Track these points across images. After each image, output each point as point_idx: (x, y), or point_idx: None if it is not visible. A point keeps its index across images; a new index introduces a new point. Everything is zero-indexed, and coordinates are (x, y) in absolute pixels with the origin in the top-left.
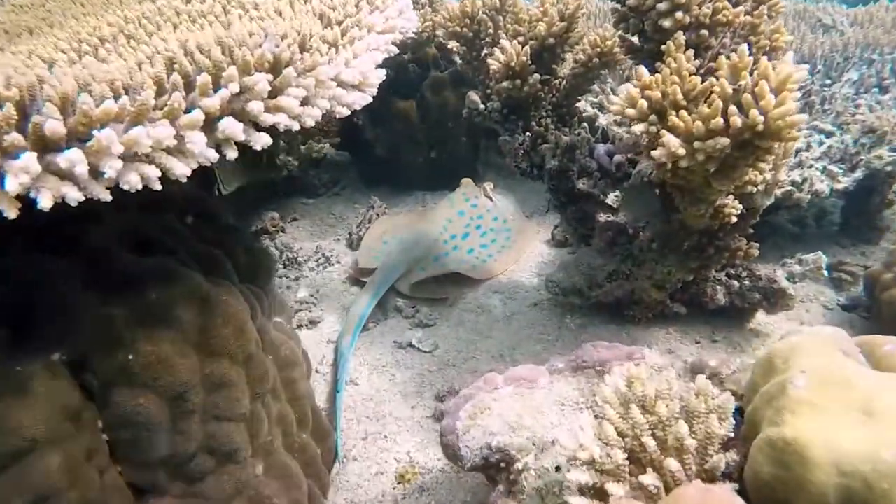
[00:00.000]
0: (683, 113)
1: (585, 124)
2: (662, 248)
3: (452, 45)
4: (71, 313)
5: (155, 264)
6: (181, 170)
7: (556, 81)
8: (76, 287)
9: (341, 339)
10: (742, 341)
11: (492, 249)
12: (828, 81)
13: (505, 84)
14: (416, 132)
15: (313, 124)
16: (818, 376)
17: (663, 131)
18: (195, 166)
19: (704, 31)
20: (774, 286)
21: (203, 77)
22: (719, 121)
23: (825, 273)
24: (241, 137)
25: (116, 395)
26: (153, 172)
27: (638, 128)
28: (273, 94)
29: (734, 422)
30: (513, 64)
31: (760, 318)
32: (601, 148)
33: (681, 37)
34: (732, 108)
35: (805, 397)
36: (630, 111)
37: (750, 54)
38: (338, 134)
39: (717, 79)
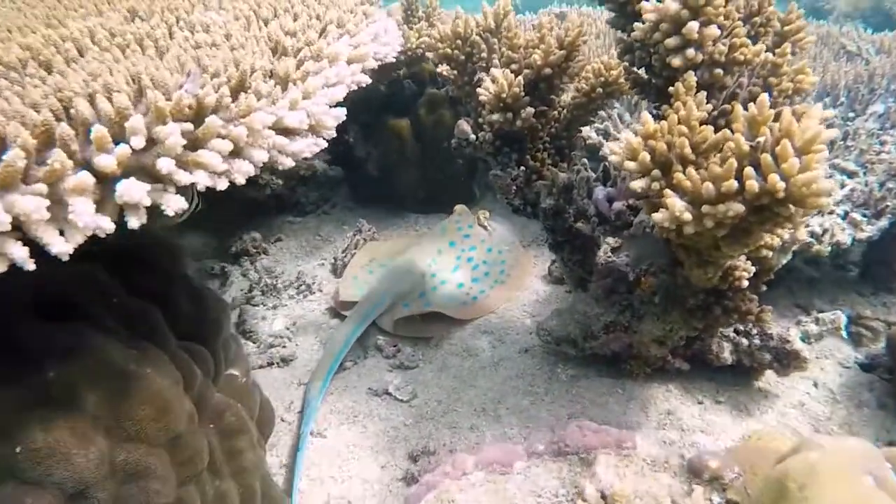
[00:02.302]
0: (691, 170)
1: (585, 160)
2: (665, 303)
3: (443, 68)
4: None
5: (59, 333)
6: (60, 247)
7: (556, 112)
8: None
9: (311, 384)
10: (749, 402)
11: (484, 284)
12: (851, 114)
13: (495, 116)
14: (410, 151)
15: (243, 182)
16: None
17: (667, 191)
18: (81, 240)
19: (719, 70)
20: (787, 347)
21: (98, 129)
22: (732, 183)
23: (845, 335)
24: (146, 202)
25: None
26: (18, 253)
27: (638, 184)
28: (194, 145)
29: None
30: (504, 95)
31: (770, 375)
32: (600, 192)
33: (691, 77)
34: (749, 170)
35: None
36: (630, 164)
37: (770, 97)
38: (328, 150)
39: (732, 131)
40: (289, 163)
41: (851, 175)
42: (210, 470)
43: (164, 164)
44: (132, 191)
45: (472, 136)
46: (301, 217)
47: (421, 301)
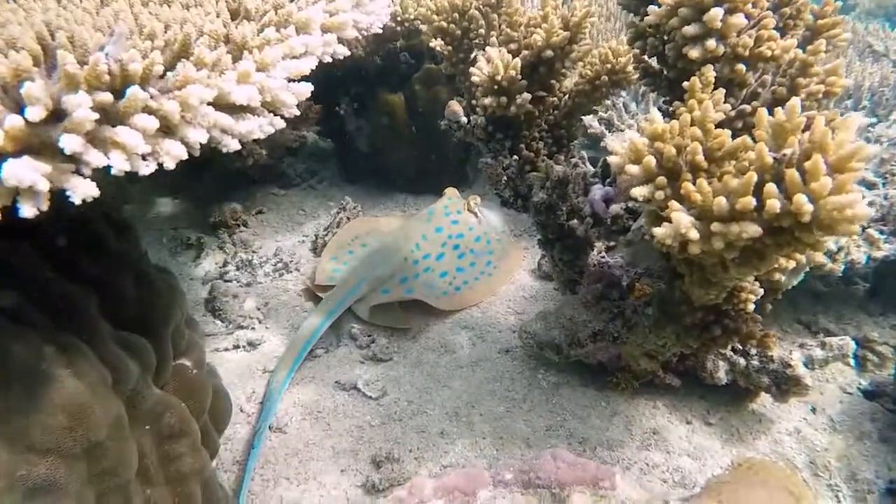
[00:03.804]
0: (702, 181)
1: (584, 153)
2: (659, 316)
3: (436, 43)
4: None
5: None
6: None
7: (556, 98)
8: None
9: (274, 374)
10: (741, 426)
11: (468, 275)
12: (873, 120)
13: (488, 100)
14: (403, 129)
15: (173, 166)
16: None
17: (673, 203)
18: None
19: (741, 65)
20: (788, 372)
21: None
22: (750, 200)
23: (853, 363)
24: (41, 187)
25: None
26: None
27: (640, 191)
28: (113, 119)
29: None
30: (499, 77)
31: (765, 397)
32: (597, 191)
33: (710, 72)
34: (770, 187)
35: None
36: (632, 168)
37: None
38: (318, 122)
39: (754, 138)
40: (234, 145)
41: (870, 186)
42: (142, 477)
43: (70, 142)
44: (20, 173)
45: (464, 119)
46: (286, 189)
47: (402, 287)
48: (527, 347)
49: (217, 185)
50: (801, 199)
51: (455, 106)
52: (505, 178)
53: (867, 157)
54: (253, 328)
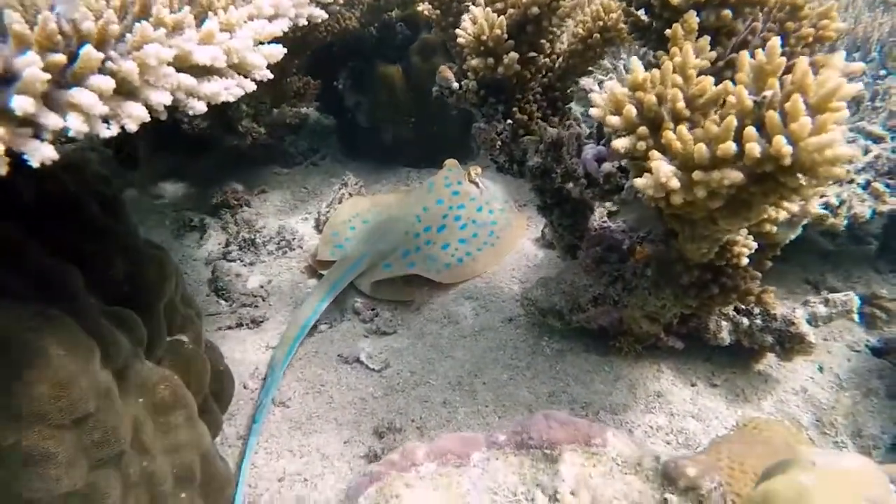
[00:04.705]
0: (682, 128)
1: (579, 115)
2: (657, 278)
3: (424, 7)
4: None
5: None
6: None
7: (548, 59)
8: None
9: (277, 350)
10: (746, 387)
11: (470, 246)
12: (882, 72)
13: (475, 61)
14: (402, 101)
15: (135, 128)
16: None
17: (653, 152)
18: None
19: (727, 11)
20: (792, 330)
21: None
22: (730, 146)
23: (857, 319)
24: None
25: None
26: None
27: (622, 143)
28: (70, 83)
29: None
30: (484, 38)
31: (771, 358)
32: (589, 150)
33: (692, 18)
34: (750, 130)
35: None
36: (613, 119)
37: (784, 46)
38: (317, 98)
39: (735, 83)
40: (200, 107)
41: (878, 140)
42: (137, 448)
43: (21, 103)
44: None
45: (455, 85)
46: (288, 168)
47: (404, 261)
48: (529, 315)
49: (219, 166)
50: (779, 140)
51: (446, 72)
52: (499, 142)
53: (847, 95)
54: (256, 306)
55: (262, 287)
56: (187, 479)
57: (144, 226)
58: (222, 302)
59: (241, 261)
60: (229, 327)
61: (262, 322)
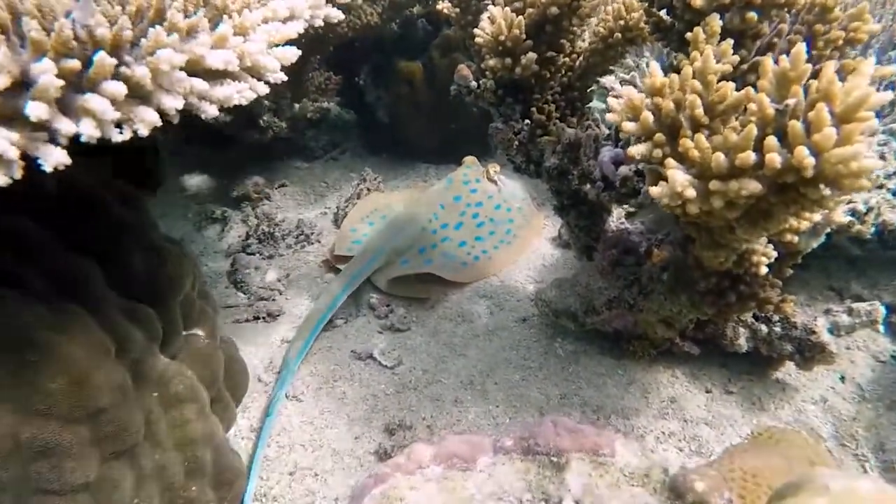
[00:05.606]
0: (700, 136)
1: (598, 115)
2: (674, 283)
3: (444, 5)
4: None
5: None
6: None
7: (568, 59)
8: None
9: (292, 344)
10: (763, 395)
11: (487, 244)
12: None
13: (493, 61)
14: (422, 98)
15: (146, 133)
16: None
17: (669, 160)
18: None
19: (752, 13)
20: (812, 339)
21: None
22: (749, 155)
23: (882, 329)
24: (10, 155)
25: None
26: None
27: (639, 149)
28: (85, 87)
29: None
30: (502, 38)
31: (790, 366)
32: (606, 153)
33: (715, 21)
34: (771, 140)
35: None
36: (629, 126)
37: (812, 49)
38: (338, 93)
39: (758, 89)
40: (212, 111)
41: None
42: (150, 442)
43: (35, 109)
44: None
45: (474, 84)
46: (309, 162)
47: (421, 258)
48: (543, 316)
49: (241, 160)
50: (802, 152)
51: (464, 70)
52: (516, 142)
53: (876, 104)
54: (273, 299)
55: (279, 281)
56: (199, 471)
57: (168, 217)
58: (241, 294)
59: (260, 254)
60: (246, 320)
61: (278, 316)
